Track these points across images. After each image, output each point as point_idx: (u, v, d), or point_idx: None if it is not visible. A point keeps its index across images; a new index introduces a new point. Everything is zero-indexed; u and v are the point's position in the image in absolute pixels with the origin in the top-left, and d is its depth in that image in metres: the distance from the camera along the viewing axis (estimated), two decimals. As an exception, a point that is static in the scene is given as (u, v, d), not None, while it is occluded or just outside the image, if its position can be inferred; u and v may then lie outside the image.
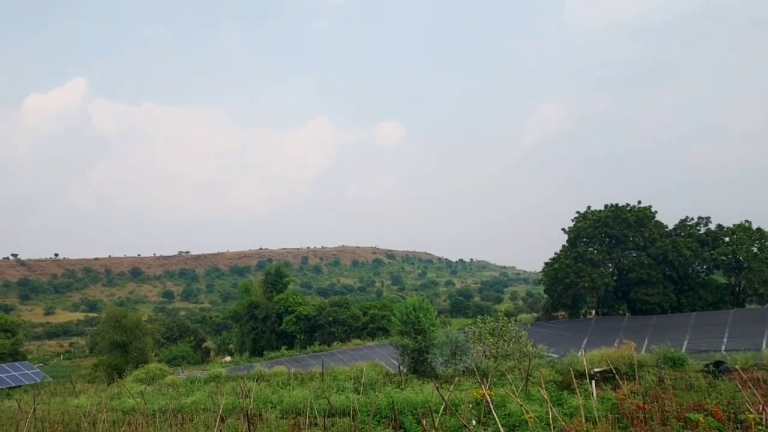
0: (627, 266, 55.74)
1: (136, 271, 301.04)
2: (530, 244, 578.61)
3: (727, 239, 53.16)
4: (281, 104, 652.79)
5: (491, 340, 27.40)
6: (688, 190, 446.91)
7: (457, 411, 16.06)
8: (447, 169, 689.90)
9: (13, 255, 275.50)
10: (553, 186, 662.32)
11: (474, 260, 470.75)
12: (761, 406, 12.32)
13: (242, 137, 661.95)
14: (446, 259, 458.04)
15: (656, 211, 57.73)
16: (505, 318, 28.93)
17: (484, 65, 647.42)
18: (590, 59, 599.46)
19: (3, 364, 52.77)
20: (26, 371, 51.99)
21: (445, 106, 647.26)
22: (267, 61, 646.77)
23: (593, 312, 60.42)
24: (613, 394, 17.50)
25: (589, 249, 57.43)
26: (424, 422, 10.89)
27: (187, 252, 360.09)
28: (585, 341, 39.70)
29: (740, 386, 16.73)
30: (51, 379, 51.33)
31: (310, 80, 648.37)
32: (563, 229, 61.28)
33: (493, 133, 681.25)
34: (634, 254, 56.16)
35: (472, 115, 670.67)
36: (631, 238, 56.13)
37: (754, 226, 53.15)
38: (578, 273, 55.28)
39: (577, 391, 15.44)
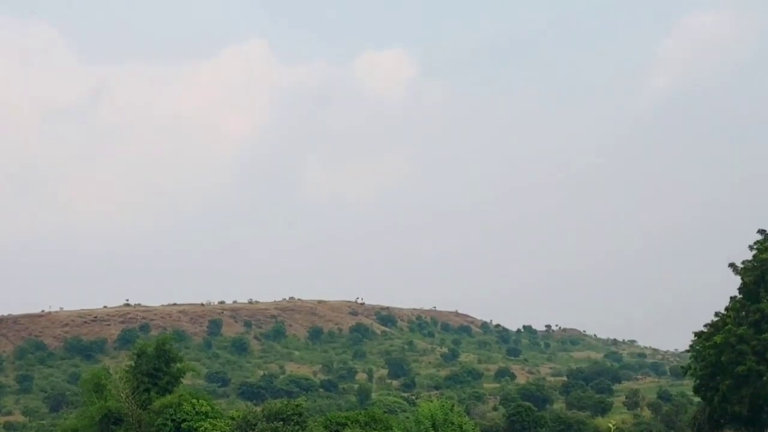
0: None
1: None
2: (663, 299, 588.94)
3: None
4: (167, 16, 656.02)
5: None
6: None
7: None
8: (497, 145, 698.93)
9: None
10: (704, 175, 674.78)
11: (554, 329, 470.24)
12: None
13: (90, 80, 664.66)
14: (498, 325, 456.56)
15: None
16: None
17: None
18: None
19: None
20: None
21: (496, 22, 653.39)
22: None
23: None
24: None
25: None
26: None
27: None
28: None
29: None
30: None
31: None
32: (732, 267, 61.33)
33: (587, 78, 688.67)
34: None
35: (546, 44, 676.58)
36: None
37: None
38: (763, 353, 55.21)
39: None
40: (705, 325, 62.09)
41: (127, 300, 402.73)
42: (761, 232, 61.26)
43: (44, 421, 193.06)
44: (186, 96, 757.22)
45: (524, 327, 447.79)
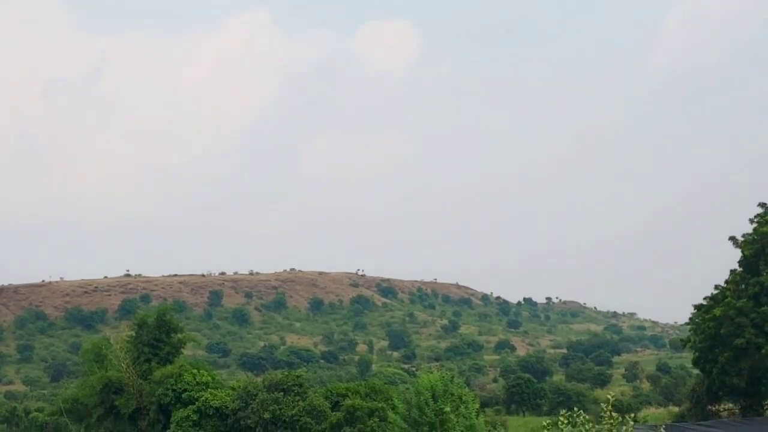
0: None
1: None
2: (664, 272, 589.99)
3: None
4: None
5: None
6: None
7: None
8: (500, 120, 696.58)
9: None
10: (708, 153, 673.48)
11: (554, 301, 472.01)
12: None
13: (92, 50, 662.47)
14: (498, 297, 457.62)
15: None
16: (615, 416, 29.00)
17: None
18: None
19: None
20: None
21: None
22: None
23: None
24: None
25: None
26: None
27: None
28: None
29: None
30: None
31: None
32: (732, 239, 61.39)
33: (592, 56, 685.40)
34: None
35: (551, 18, 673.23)
36: None
37: None
38: (762, 326, 55.38)
39: None
40: (704, 298, 62.25)
41: (128, 270, 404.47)
42: (762, 205, 61.28)
43: (45, 391, 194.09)
44: (187, 67, 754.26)
45: (524, 299, 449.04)
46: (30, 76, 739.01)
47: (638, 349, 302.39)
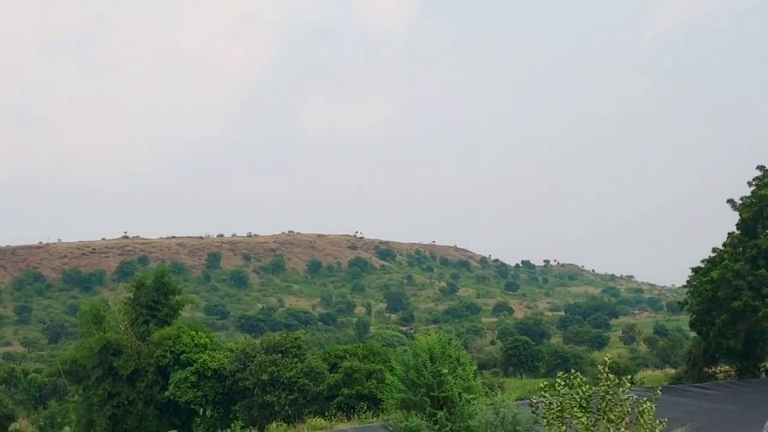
0: None
1: None
2: (662, 235, 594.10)
3: None
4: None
5: (584, 420, 27.55)
6: None
7: None
8: (499, 83, 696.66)
9: None
10: (703, 118, 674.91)
11: (552, 264, 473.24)
12: None
13: (89, 11, 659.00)
14: (496, 260, 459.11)
15: None
16: (611, 378, 29.07)
17: None
18: None
19: None
20: None
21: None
22: None
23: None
24: None
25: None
26: None
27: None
28: (770, 423, 40.04)
29: None
30: None
31: None
32: (731, 202, 61.36)
33: (589, 14, 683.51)
34: None
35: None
36: None
37: None
38: (759, 289, 55.50)
39: None
40: (702, 261, 62.29)
41: (126, 232, 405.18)
42: (760, 168, 61.18)
43: (43, 352, 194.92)
44: (185, 29, 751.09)
45: (523, 262, 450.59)
46: (26, 37, 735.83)
47: (635, 311, 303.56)
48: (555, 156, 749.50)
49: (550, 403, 29.71)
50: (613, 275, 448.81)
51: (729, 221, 61.61)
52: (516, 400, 32.83)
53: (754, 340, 59.77)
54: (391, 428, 31.17)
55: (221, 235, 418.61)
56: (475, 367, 30.52)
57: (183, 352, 69.61)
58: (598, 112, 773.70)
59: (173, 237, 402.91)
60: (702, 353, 62.66)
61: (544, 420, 29.11)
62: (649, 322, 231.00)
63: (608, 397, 28.88)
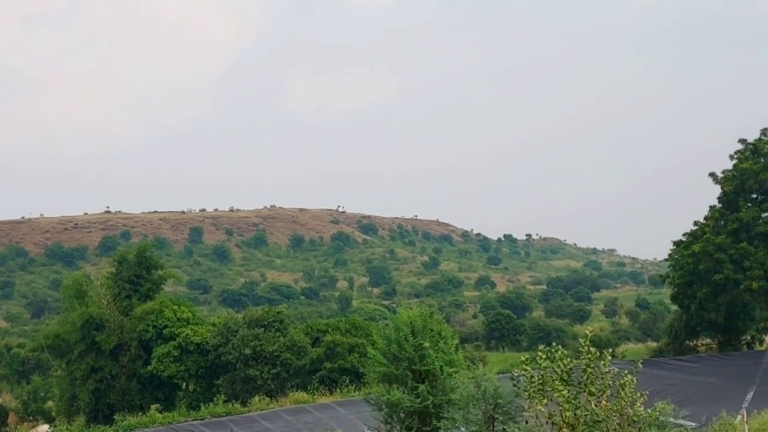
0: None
1: None
2: (644, 208, 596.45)
3: None
4: None
5: (565, 393, 27.63)
6: None
7: None
8: (483, 57, 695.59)
9: None
10: (684, 92, 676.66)
11: (534, 238, 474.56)
12: None
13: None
14: (478, 234, 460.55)
15: None
16: (593, 351, 29.16)
17: None
18: None
19: None
20: None
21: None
22: None
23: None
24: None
25: (765, 215, 57.87)
26: None
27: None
28: (750, 395, 40.35)
29: None
30: None
31: None
32: (712, 176, 61.55)
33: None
34: None
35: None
36: None
37: None
38: (740, 262, 55.72)
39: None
40: (684, 234, 62.51)
41: (108, 207, 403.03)
42: (742, 141, 61.36)
43: (26, 327, 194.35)
44: (168, 0, 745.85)
45: (505, 236, 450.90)
46: (7, 9, 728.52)
47: (617, 285, 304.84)
48: (536, 131, 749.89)
49: (532, 377, 29.79)
50: (595, 249, 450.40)
51: (711, 195, 61.89)
52: (498, 373, 32.93)
53: (736, 314, 60.11)
54: (372, 401, 31.28)
55: (203, 210, 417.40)
56: (456, 341, 30.64)
57: (165, 326, 69.54)
58: (580, 88, 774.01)
59: (155, 212, 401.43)
60: (683, 326, 63.02)
61: (526, 393, 29.20)
62: (630, 296, 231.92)
63: (589, 370, 28.96)
